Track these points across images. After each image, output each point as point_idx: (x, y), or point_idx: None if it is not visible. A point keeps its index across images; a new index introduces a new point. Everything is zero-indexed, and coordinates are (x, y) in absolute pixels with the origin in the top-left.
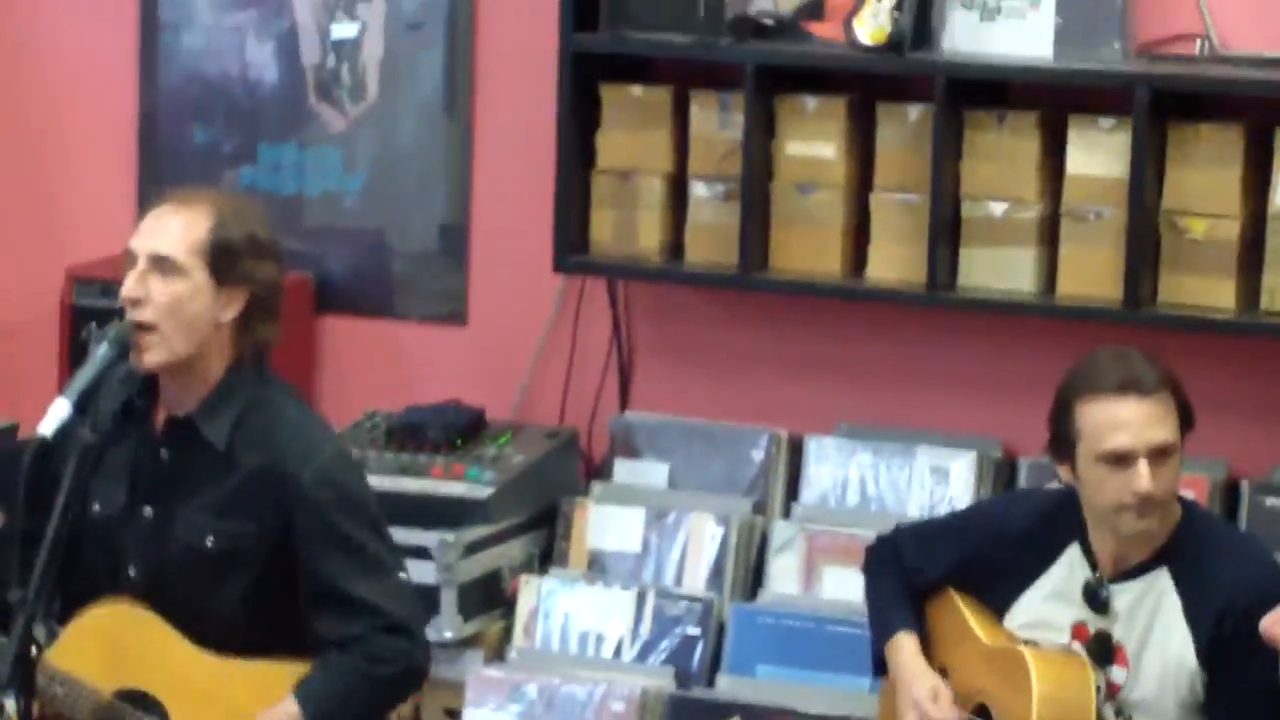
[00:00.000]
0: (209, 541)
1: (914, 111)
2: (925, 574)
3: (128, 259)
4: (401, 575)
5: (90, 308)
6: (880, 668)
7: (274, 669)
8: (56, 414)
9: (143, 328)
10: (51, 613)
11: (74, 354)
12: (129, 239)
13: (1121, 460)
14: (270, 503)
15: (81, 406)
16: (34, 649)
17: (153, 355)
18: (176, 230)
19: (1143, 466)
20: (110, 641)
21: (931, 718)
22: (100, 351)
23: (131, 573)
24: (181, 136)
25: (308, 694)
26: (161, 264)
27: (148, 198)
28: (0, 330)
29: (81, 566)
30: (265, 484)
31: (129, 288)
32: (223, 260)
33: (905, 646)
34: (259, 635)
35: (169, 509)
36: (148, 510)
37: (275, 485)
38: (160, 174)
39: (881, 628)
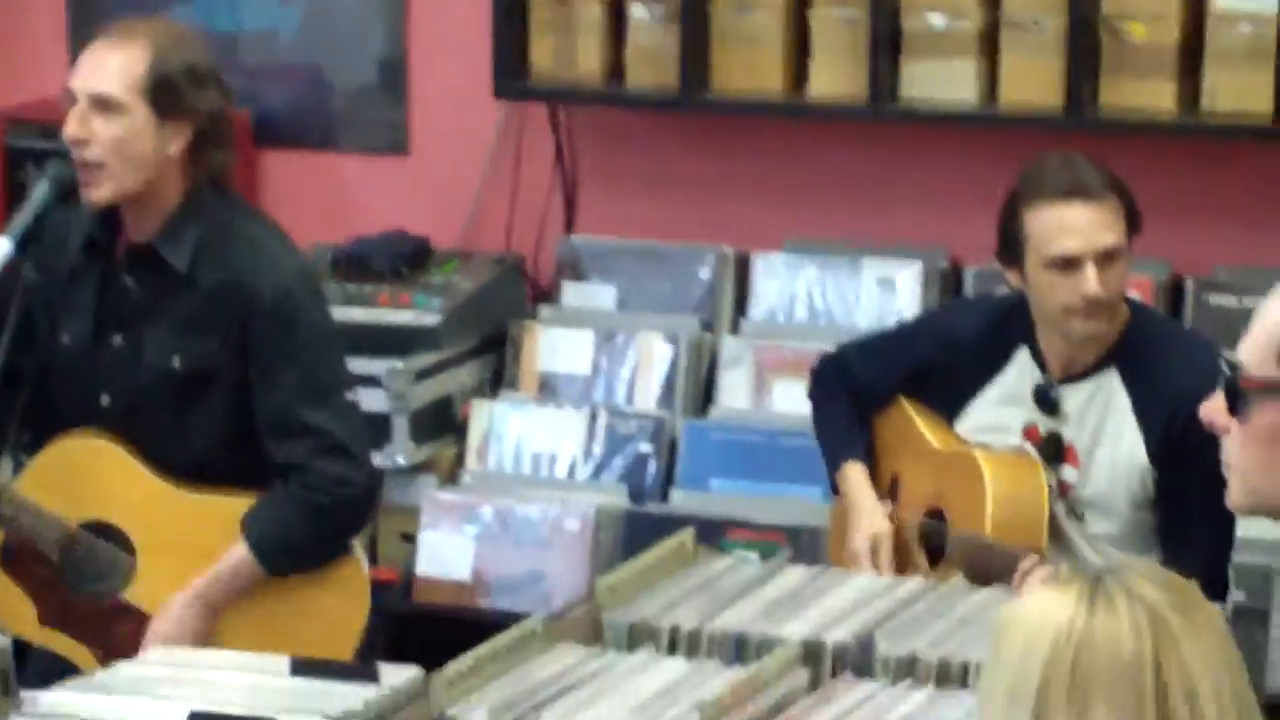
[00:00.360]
0: (175, 362)
1: None
2: (874, 388)
3: (67, 98)
4: (348, 396)
5: (27, 149)
6: (836, 489)
7: (239, 503)
8: None
9: (89, 165)
10: (20, 444)
11: (12, 195)
12: (62, 78)
13: (1069, 264)
14: (231, 318)
15: (22, 245)
16: None
17: (101, 191)
18: (115, 68)
19: (1090, 270)
20: (77, 472)
21: (865, 572)
22: (39, 191)
23: (105, 401)
24: None
25: (251, 525)
26: (102, 103)
27: (79, 36)
28: None
29: (54, 399)
30: (227, 300)
31: (71, 129)
32: (164, 95)
33: (851, 477)
34: (232, 466)
35: (137, 335)
36: (117, 339)
37: (236, 300)
38: (91, 12)
39: (830, 458)
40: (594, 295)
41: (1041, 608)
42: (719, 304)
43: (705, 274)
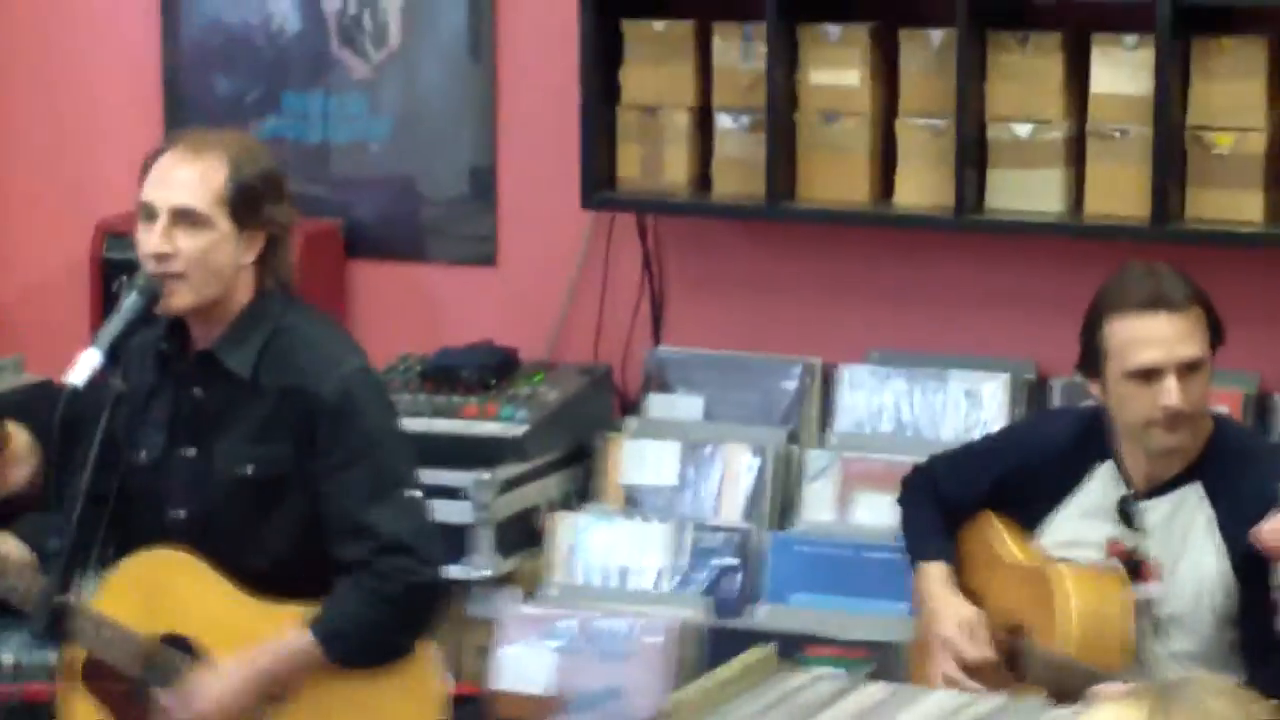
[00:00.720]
0: (249, 470)
1: (936, 36)
2: (961, 501)
3: (143, 211)
4: (410, 493)
5: (120, 260)
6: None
7: (312, 610)
8: (87, 363)
9: (170, 276)
10: (105, 561)
11: (106, 307)
12: None
13: (1149, 376)
14: (298, 422)
15: (112, 355)
16: (69, 598)
17: (179, 299)
18: (195, 180)
19: (1170, 381)
20: (152, 586)
21: (965, 656)
22: (129, 300)
23: (181, 514)
24: (205, 87)
25: (317, 618)
26: (186, 216)
27: None
28: (34, 286)
29: (131, 516)
30: (292, 404)
31: (155, 243)
32: (243, 206)
33: (933, 575)
34: (308, 569)
35: (208, 445)
36: (190, 450)
37: (300, 404)
38: (185, 125)
39: (914, 555)
40: (680, 406)
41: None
42: (805, 415)
43: (791, 385)
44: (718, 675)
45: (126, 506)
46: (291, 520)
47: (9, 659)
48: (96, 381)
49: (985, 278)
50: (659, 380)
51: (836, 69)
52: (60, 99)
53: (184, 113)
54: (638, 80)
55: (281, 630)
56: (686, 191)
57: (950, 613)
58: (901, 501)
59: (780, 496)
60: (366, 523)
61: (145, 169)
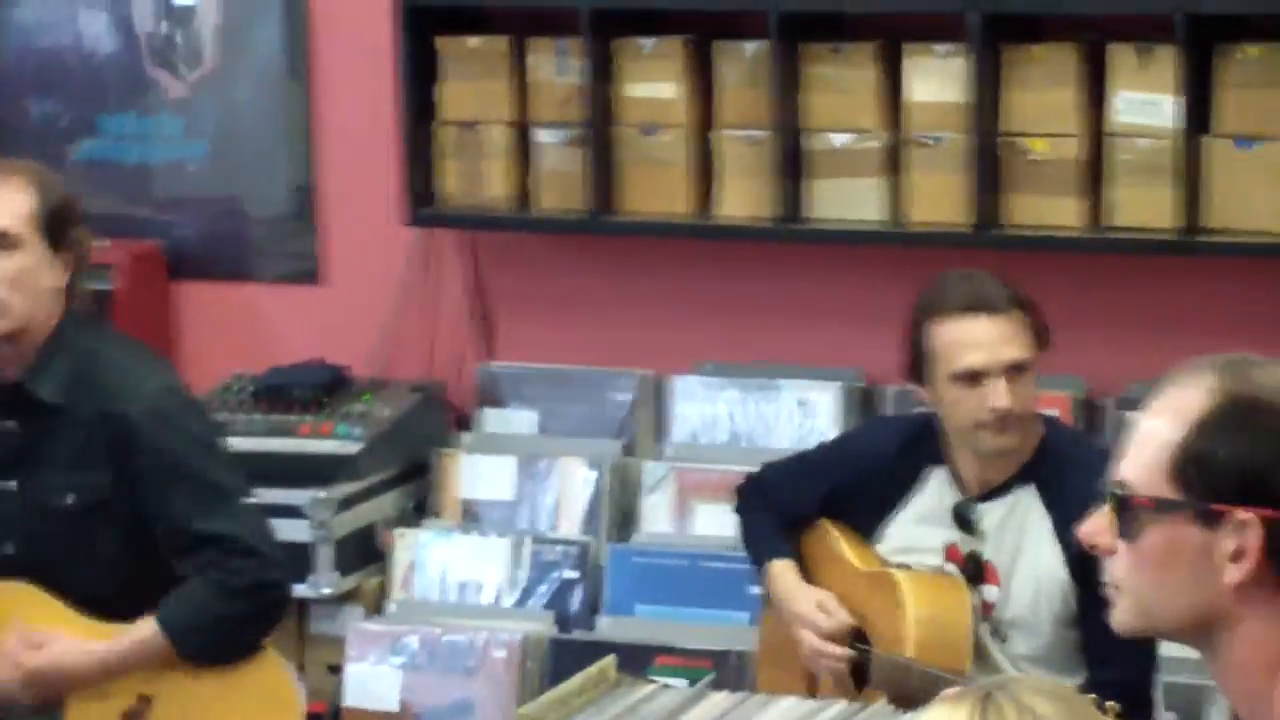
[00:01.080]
0: (69, 500)
1: (750, 48)
2: (795, 508)
3: None
4: (244, 500)
5: None
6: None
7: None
8: None
9: None
10: None
11: None
12: None
13: (975, 378)
14: (112, 447)
15: None
16: None
17: None
18: (7, 204)
19: (998, 384)
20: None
21: (824, 628)
22: None
23: (9, 549)
24: (19, 111)
25: (163, 610)
26: (1, 239)
27: None
28: None
29: None
30: (103, 429)
31: None
32: (55, 227)
33: (782, 573)
34: (151, 595)
35: (29, 476)
36: (9, 484)
37: (111, 428)
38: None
39: (756, 559)
40: (514, 421)
41: None
42: (639, 428)
43: (624, 397)
44: (563, 688)
45: None
46: (120, 544)
47: None
48: None
49: (810, 288)
50: (491, 395)
51: (652, 81)
52: None
53: None
54: (455, 96)
55: None
56: (508, 206)
57: (803, 594)
58: (738, 510)
59: (618, 509)
60: (206, 533)
61: None
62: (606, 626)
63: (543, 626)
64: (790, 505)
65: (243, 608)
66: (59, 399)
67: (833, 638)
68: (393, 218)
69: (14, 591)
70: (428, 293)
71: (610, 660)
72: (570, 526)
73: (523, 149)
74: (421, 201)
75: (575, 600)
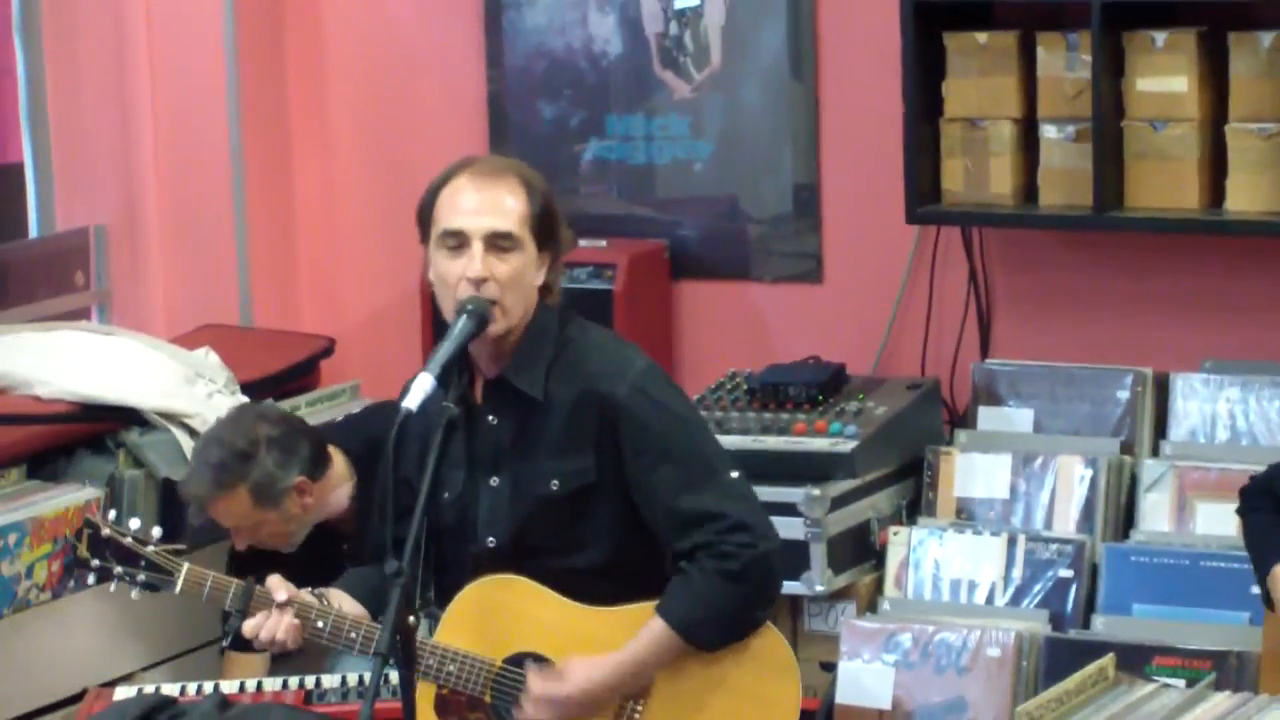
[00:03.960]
0: (554, 486)
1: (1266, 38)
2: None
3: (450, 238)
4: (732, 475)
5: None
6: (1271, 604)
7: (648, 609)
8: (421, 387)
9: (490, 300)
10: (429, 601)
11: (437, 333)
12: None
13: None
14: (596, 428)
15: (443, 379)
16: (412, 619)
17: (496, 326)
18: (506, 206)
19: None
20: (488, 612)
21: None
22: (460, 324)
23: (491, 542)
24: (530, 113)
25: (668, 607)
26: (501, 240)
27: None
28: (367, 316)
29: (445, 555)
30: (587, 412)
31: (476, 269)
32: (544, 229)
33: None
34: (629, 578)
35: (512, 471)
36: (493, 480)
37: (596, 410)
38: (510, 152)
39: (1259, 564)
40: (1011, 419)
41: None
42: (1138, 426)
43: (1123, 395)
44: (1061, 687)
45: (434, 542)
46: (602, 526)
47: (353, 678)
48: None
49: None
50: (988, 393)
51: (1163, 75)
52: (385, 129)
53: (509, 138)
54: (961, 93)
55: (619, 631)
56: (1012, 203)
57: None
58: (1241, 512)
59: (1115, 507)
60: (697, 510)
61: (433, 196)
62: (1102, 625)
63: (1037, 625)
64: None
65: (743, 591)
66: (539, 390)
67: None
68: (896, 216)
69: (507, 584)
70: (929, 291)
71: (1110, 659)
72: (1065, 525)
73: (1028, 145)
74: (925, 199)
75: (1070, 599)
